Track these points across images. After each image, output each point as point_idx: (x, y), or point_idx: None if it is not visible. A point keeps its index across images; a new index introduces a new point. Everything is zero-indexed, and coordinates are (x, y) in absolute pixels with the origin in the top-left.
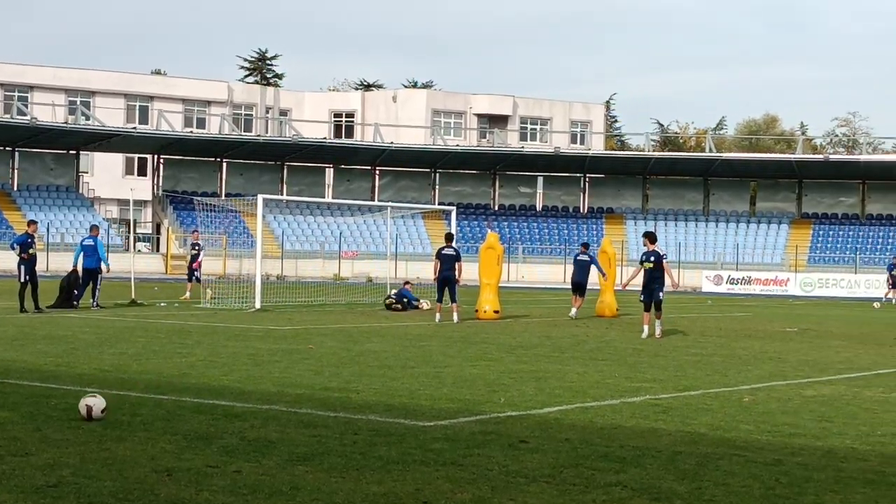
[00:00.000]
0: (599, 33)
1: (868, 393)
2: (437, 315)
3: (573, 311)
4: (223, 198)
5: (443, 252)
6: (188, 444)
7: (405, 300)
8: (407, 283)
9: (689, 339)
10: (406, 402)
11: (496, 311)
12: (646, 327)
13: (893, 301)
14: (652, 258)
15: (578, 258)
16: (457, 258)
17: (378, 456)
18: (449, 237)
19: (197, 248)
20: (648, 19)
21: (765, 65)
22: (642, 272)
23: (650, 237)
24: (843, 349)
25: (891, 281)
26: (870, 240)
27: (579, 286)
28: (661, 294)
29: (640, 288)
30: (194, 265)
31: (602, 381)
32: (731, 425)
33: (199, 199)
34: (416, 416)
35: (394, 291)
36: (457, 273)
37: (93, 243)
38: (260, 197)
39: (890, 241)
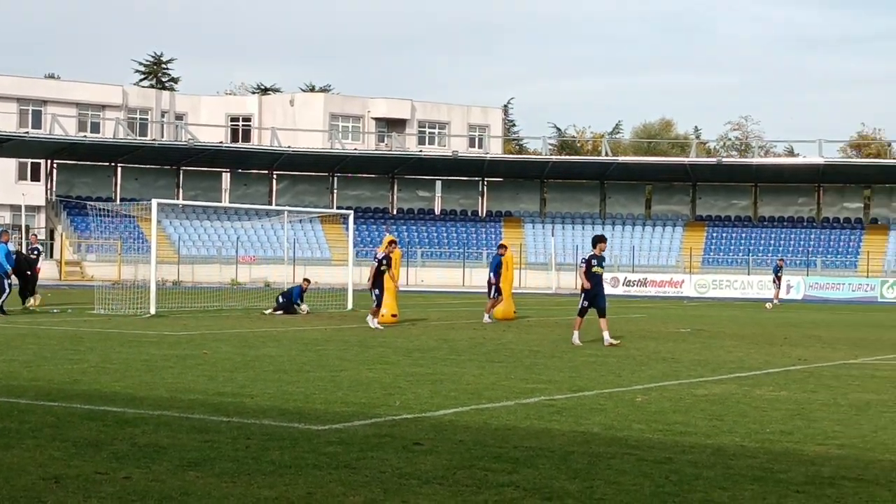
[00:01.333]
0: (497, 38)
1: (758, 391)
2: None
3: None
4: (118, 203)
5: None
6: (77, 450)
7: (289, 300)
8: (306, 280)
9: (584, 341)
10: (300, 406)
11: (394, 315)
12: (576, 332)
13: (774, 302)
14: (603, 263)
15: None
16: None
17: (270, 460)
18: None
19: (36, 252)
20: (546, 25)
21: (661, 70)
22: (586, 277)
23: (602, 240)
24: (734, 349)
25: (777, 282)
26: (762, 242)
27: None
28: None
29: (582, 293)
30: (36, 270)
31: (498, 382)
32: (624, 425)
33: (93, 204)
34: (310, 420)
35: (281, 293)
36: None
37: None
38: (154, 202)
39: (781, 242)
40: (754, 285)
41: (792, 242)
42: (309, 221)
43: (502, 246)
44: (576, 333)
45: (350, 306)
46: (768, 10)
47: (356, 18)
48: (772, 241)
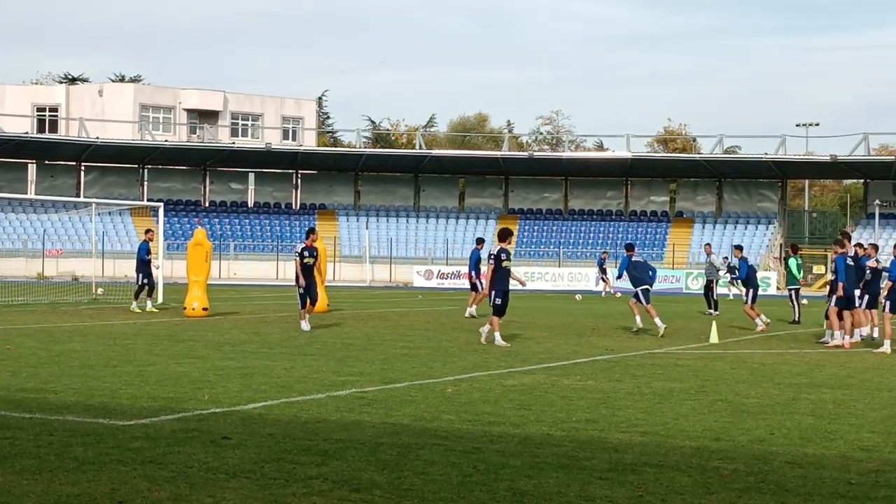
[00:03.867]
0: (312, 30)
1: (566, 381)
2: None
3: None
4: None
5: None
6: None
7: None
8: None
9: (398, 333)
10: (106, 401)
11: (205, 309)
12: (495, 334)
13: (604, 293)
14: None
15: (634, 260)
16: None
17: (73, 457)
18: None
19: None
20: (361, 17)
21: (475, 65)
22: (492, 271)
23: (507, 234)
24: (544, 340)
25: (601, 274)
26: (573, 234)
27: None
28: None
29: (491, 288)
30: None
31: (309, 375)
32: (434, 416)
33: None
34: (115, 416)
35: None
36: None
37: None
38: None
39: (591, 235)
40: (565, 277)
41: (601, 235)
42: (119, 214)
43: (479, 240)
44: (498, 335)
45: (161, 300)
46: (580, 7)
47: (168, 7)
48: (582, 234)
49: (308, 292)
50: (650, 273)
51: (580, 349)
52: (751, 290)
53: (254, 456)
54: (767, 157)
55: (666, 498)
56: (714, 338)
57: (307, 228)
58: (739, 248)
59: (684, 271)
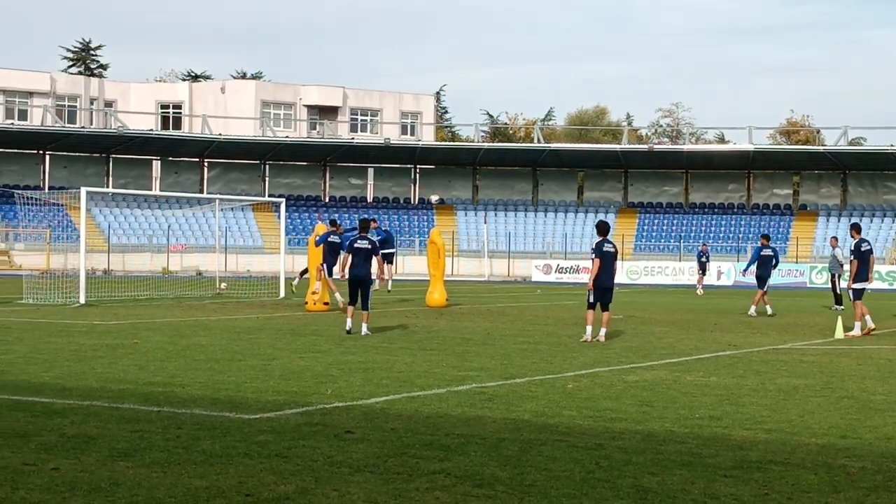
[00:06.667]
0: (430, 25)
1: (688, 377)
2: (348, 321)
3: (752, 309)
4: (46, 191)
5: (355, 244)
6: (5, 442)
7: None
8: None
9: (517, 328)
10: (232, 395)
11: (325, 303)
12: (589, 328)
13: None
14: (614, 248)
15: (763, 252)
16: (373, 251)
17: (201, 450)
18: (364, 225)
19: None
20: (479, 12)
21: (593, 58)
22: (598, 265)
23: (603, 228)
24: (665, 335)
25: (700, 269)
26: (693, 228)
27: (762, 279)
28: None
29: (591, 283)
30: None
31: (430, 370)
32: (555, 411)
33: (20, 192)
34: (241, 410)
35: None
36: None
37: None
38: (84, 190)
39: (712, 229)
40: (685, 271)
41: (722, 229)
42: (241, 209)
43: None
44: (588, 329)
45: (282, 294)
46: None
47: (288, 4)
48: (703, 228)
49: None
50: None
51: (702, 345)
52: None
53: (377, 450)
54: (894, 148)
55: (792, 496)
56: (839, 333)
57: (360, 219)
58: (856, 227)
59: (808, 265)
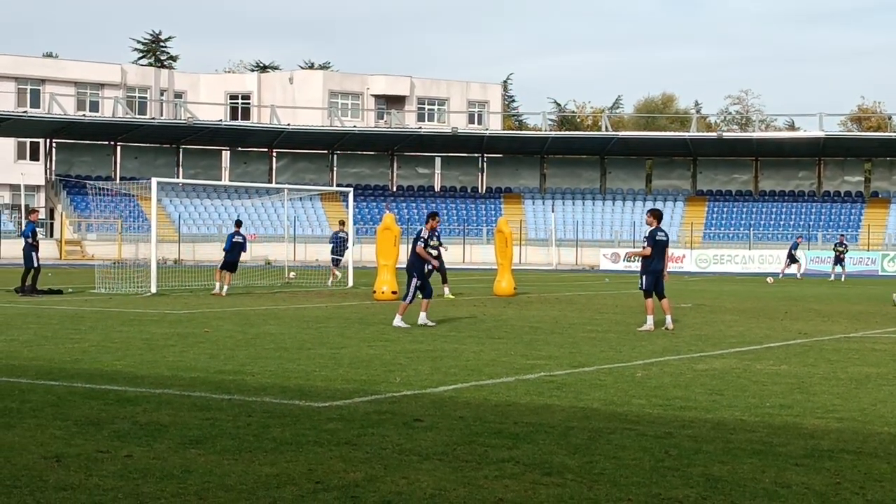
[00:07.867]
0: (496, 14)
1: (758, 366)
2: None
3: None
4: (117, 182)
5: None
6: (79, 429)
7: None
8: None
9: (585, 316)
10: (301, 383)
11: (394, 292)
12: (650, 317)
13: (781, 276)
14: (666, 237)
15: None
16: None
17: (271, 437)
18: (433, 216)
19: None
20: (545, 0)
21: (660, 45)
22: (649, 253)
23: (657, 215)
24: (735, 324)
25: (788, 260)
26: (763, 216)
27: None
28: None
29: (642, 271)
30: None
31: (498, 359)
32: (624, 400)
33: (92, 183)
34: (310, 398)
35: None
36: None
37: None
38: (154, 180)
39: (783, 217)
40: (755, 259)
41: (793, 216)
42: (309, 199)
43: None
44: (649, 319)
45: (350, 283)
46: None
47: None
48: (773, 216)
49: (426, 283)
50: None
51: (772, 333)
52: None
53: (446, 438)
54: None
55: (864, 485)
56: None
57: (429, 212)
58: None
59: (880, 253)
